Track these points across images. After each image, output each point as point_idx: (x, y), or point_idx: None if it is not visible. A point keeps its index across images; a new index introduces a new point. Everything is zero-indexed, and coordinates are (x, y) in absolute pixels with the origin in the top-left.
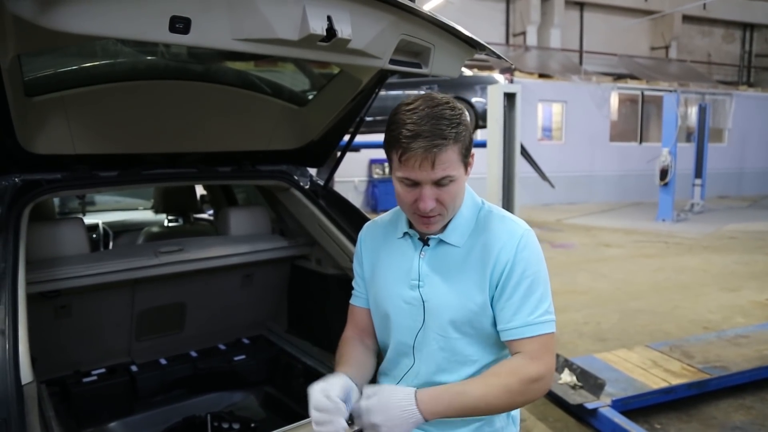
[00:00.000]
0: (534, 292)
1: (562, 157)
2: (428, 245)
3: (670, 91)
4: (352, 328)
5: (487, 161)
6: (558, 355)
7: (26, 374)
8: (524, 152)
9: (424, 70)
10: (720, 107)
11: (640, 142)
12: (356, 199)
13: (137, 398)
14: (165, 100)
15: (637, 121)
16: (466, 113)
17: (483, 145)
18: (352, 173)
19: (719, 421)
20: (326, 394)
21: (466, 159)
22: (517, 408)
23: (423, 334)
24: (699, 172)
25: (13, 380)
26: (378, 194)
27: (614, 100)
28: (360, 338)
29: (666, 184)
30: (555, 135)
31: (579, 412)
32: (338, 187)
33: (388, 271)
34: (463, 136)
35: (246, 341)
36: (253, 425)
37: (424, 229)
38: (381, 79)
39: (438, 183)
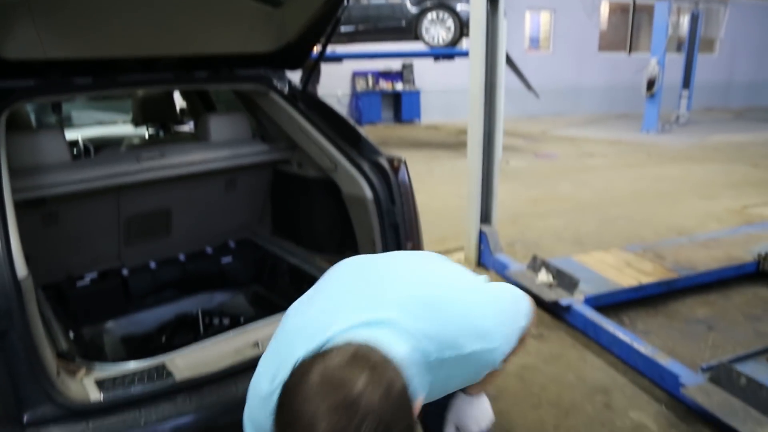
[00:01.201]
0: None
1: (550, 67)
2: None
3: None
4: None
5: (469, 71)
6: (536, 257)
7: (21, 270)
8: (510, 62)
9: None
10: (713, 16)
11: (630, 52)
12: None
13: (130, 300)
14: (138, 0)
15: (627, 31)
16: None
17: (466, 54)
18: (335, 86)
19: (684, 315)
20: None
21: None
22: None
23: None
24: (687, 83)
25: (10, 275)
26: (362, 107)
27: (604, 9)
28: None
29: (652, 95)
30: (543, 45)
31: (554, 309)
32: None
33: None
34: None
35: (232, 244)
36: (242, 320)
37: None
38: None
39: None
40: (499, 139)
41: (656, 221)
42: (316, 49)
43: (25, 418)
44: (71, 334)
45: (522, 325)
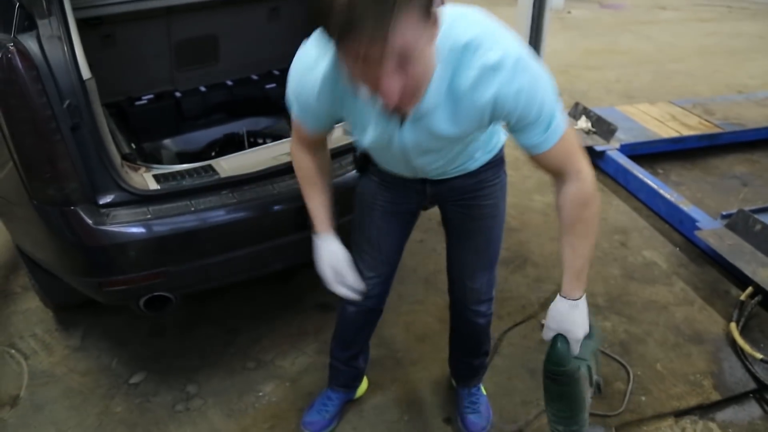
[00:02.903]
0: (543, 111)
1: None
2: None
3: None
4: (300, 142)
5: None
6: (578, 104)
7: (85, 72)
8: None
9: None
10: None
11: None
12: None
13: (183, 120)
14: None
15: None
16: None
17: None
18: None
19: (721, 170)
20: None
21: (425, 21)
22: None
23: (412, 163)
24: None
25: (76, 75)
26: None
27: None
28: (313, 153)
29: None
30: None
31: (589, 154)
32: None
33: (359, 121)
34: None
35: (276, 72)
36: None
37: (396, 110)
38: None
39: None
40: None
41: (717, 78)
42: None
43: (100, 201)
44: (133, 146)
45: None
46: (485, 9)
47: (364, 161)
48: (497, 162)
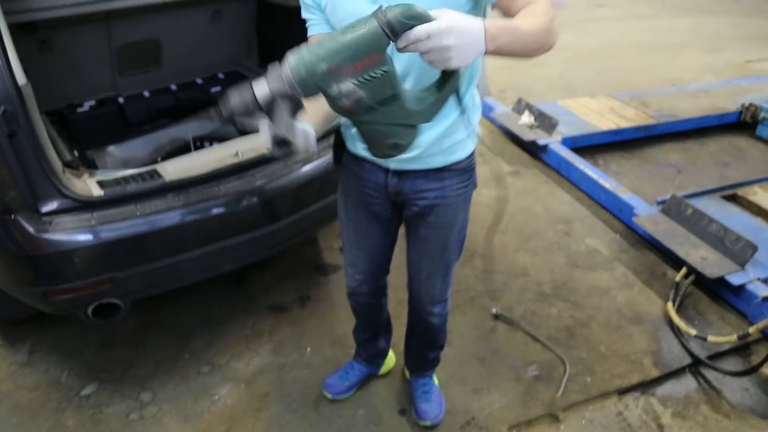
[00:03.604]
0: None
1: None
2: None
3: None
4: None
5: None
6: (520, 100)
7: (20, 77)
8: None
9: None
10: None
11: None
12: None
13: (127, 126)
14: None
15: None
16: None
17: None
18: None
19: (657, 159)
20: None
21: None
22: (542, 53)
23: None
24: None
25: (11, 82)
26: None
27: None
28: None
29: None
30: None
31: (532, 148)
32: None
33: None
34: None
35: (221, 76)
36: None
37: None
38: None
39: None
40: None
41: (653, 73)
42: None
43: (42, 209)
44: (75, 153)
45: None
46: None
47: (339, 149)
48: (466, 169)
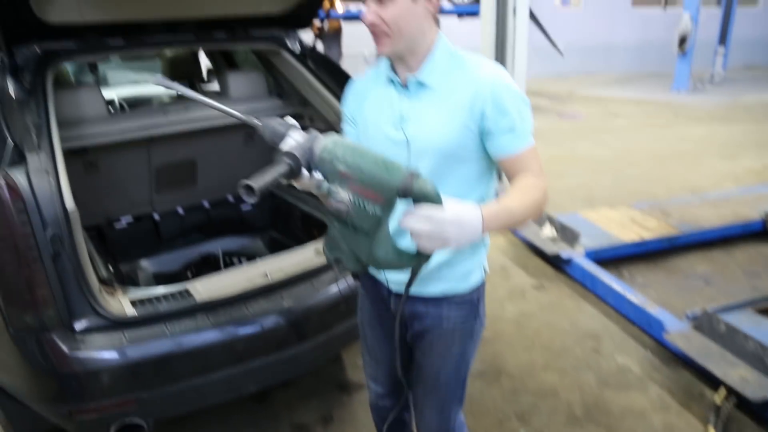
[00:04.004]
0: (523, 116)
1: (581, 24)
2: (408, 87)
3: None
4: None
5: (480, 29)
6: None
7: (70, 203)
8: (534, 19)
9: None
10: None
11: (665, 6)
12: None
13: (161, 241)
14: None
15: None
16: None
17: (476, 13)
18: (362, 46)
19: (684, 270)
20: None
21: None
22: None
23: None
24: (723, 38)
25: (61, 206)
26: None
27: None
28: None
29: (684, 53)
30: (573, 1)
31: (555, 261)
32: (348, 60)
33: (373, 115)
34: None
35: None
36: (258, 260)
37: (378, 49)
38: None
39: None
40: None
41: (671, 181)
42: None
43: (76, 327)
44: (110, 268)
45: None
46: None
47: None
48: (468, 302)
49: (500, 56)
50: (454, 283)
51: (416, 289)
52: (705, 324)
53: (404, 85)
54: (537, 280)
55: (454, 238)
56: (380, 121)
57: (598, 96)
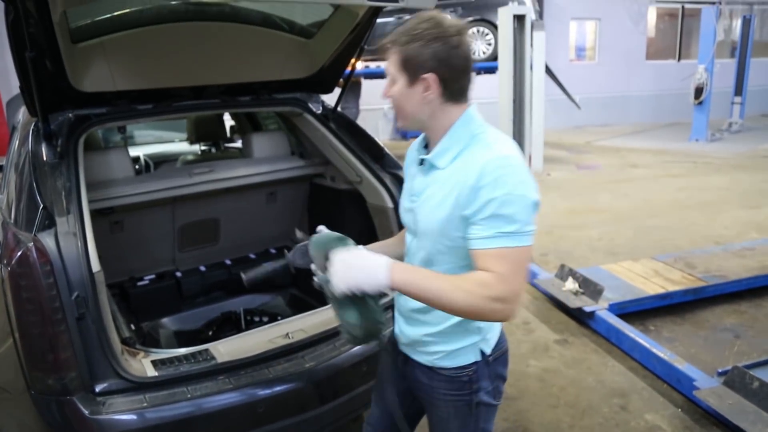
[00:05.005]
0: (503, 211)
1: (596, 77)
2: (423, 164)
3: (712, 3)
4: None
5: (498, 84)
6: (563, 266)
7: (95, 265)
8: (549, 73)
9: (400, 4)
10: None
11: (679, 59)
12: (386, 127)
13: (183, 299)
14: (188, 39)
15: (676, 37)
16: (446, 35)
17: (493, 69)
18: (381, 101)
19: (711, 323)
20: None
21: (406, 71)
22: (473, 319)
23: (415, 243)
24: (739, 89)
25: (87, 269)
26: None
27: (651, 16)
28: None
29: (701, 103)
30: (588, 55)
31: (579, 315)
32: (367, 115)
33: (406, 180)
34: (411, 48)
35: (273, 251)
36: (279, 318)
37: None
38: (375, 12)
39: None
40: (538, 152)
41: (693, 231)
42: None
43: (97, 389)
44: (132, 327)
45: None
46: None
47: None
48: (458, 380)
49: (518, 110)
50: (438, 359)
51: (409, 352)
52: (737, 380)
53: (421, 162)
54: (560, 335)
55: (361, 280)
56: (406, 187)
57: (615, 146)
